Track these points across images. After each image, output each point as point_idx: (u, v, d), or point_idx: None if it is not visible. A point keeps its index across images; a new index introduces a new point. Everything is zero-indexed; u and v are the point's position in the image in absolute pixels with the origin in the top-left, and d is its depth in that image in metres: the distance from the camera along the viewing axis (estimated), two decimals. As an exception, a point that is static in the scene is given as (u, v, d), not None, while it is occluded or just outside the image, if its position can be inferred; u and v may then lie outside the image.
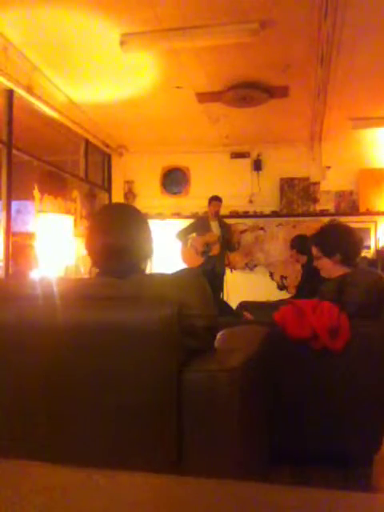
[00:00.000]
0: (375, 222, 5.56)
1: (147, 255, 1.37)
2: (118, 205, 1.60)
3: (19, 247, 3.64)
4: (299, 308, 2.02)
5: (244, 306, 3.08)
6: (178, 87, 4.30)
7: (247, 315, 2.50)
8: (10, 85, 3.84)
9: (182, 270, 1.31)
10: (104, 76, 4.15)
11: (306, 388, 1.86)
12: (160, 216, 5.82)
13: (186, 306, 1.10)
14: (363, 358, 1.94)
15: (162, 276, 1.22)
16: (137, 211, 1.40)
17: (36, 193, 4.26)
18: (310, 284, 3.27)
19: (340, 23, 3.44)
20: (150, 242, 1.37)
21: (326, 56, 3.92)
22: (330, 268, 2.40)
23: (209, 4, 3.15)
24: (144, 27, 3.39)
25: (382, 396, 1.97)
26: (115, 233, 1.32)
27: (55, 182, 4.85)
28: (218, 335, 1.35)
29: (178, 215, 5.97)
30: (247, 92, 4.25)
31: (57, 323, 1.10)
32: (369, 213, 5.51)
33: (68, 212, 4.77)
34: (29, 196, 4.33)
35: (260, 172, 5.82)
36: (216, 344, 1.25)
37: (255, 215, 5.81)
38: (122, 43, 3.50)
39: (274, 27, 3.49)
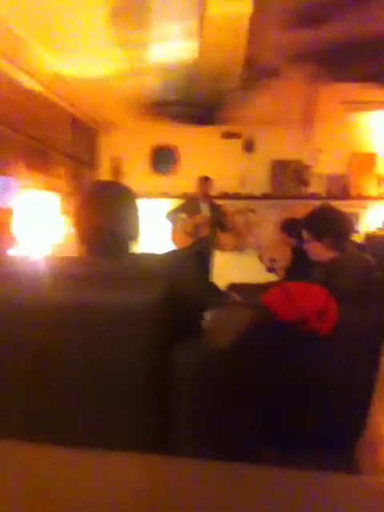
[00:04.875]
0: (366, 207, 5.55)
1: (134, 236, 1.35)
2: (107, 183, 1.58)
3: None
4: (288, 290, 2.00)
5: (233, 287, 3.06)
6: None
7: (235, 297, 2.48)
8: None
9: (172, 251, 1.29)
10: (92, 50, 4.03)
11: (292, 372, 1.85)
12: (149, 195, 5.74)
13: (176, 285, 1.07)
14: (350, 342, 1.94)
15: (153, 256, 1.20)
16: (126, 190, 1.39)
17: (19, 168, 4.16)
18: (299, 267, 3.26)
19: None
20: (136, 222, 1.36)
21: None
22: (319, 252, 2.39)
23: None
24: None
25: (366, 381, 1.97)
26: (103, 213, 1.31)
27: (40, 158, 4.74)
28: (207, 316, 1.33)
29: (167, 195, 5.90)
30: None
31: (44, 303, 1.07)
32: (360, 197, 5.50)
33: (54, 189, 4.68)
34: (11, 172, 4.22)
35: (251, 153, 5.75)
36: (204, 325, 1.23)
37: (246, 197, 5.75)
38: (112, 17, 3.38)
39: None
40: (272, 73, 4.36)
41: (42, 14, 3.43)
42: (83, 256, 1.31)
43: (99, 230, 1.29)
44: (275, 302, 1.96)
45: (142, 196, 5.72)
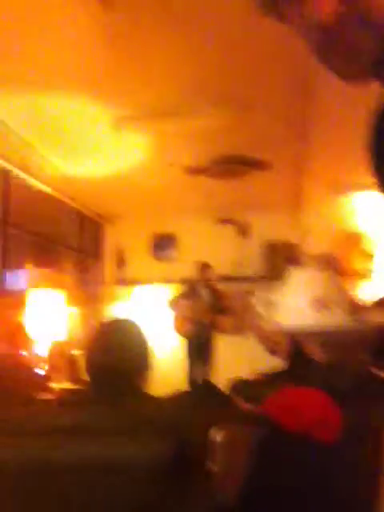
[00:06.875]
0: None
1: (144, 370, 1.42)
2: (116, 323, 1.64)
3: (10, 324, 3.60)
4: (289, 398, 2.04)
5: (236, 388, 3.04)
6: (170, 164, 4.51)
7: (241, 403, 2.47)
8: (6, 165, 3.98)
9: (178, 396, 1.35)
10: (98, 155, 4.35)
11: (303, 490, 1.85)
12: (150, 281, 5.89)
13: (182, 438, 1.15)
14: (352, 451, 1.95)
15: (158, 402, 1.27)
16: (134, 327, 1.47)
17: (28, 266, 4.33)
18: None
19: (315, 104, 3.68)
20: (147, 356, 1.42)
21: (303, 133, 4.17)
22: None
23: (198, 89, 3.38)
24: (136, 111, 3.61)
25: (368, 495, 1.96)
26: (107, 352, 1.38)
27: (47, 255, 4.93)
28: (216, 436, 1.35)
29: (168, 280, 6.03)
30: (231, 166, 4.49)
31: (53, 460, 1.14)
32: (348, 274, 5.60)
33: (61, 285, 4.80)
34: (20, 268, 4.39)
35: (246, 237, 5.99)
36: (211, 464, 1.28)
37: (243, 279, 5.88)
38: (116, 126, 3.70)
39: (255, 109, 3.73)
40: (261, 165, 4.66)
41: (50, 123, 3.76)
42: (88, 403, 1.36)
43: (106, 372, 1.35)
44: (278, 413, 1.99)
45: (145, 282, 5.90)
